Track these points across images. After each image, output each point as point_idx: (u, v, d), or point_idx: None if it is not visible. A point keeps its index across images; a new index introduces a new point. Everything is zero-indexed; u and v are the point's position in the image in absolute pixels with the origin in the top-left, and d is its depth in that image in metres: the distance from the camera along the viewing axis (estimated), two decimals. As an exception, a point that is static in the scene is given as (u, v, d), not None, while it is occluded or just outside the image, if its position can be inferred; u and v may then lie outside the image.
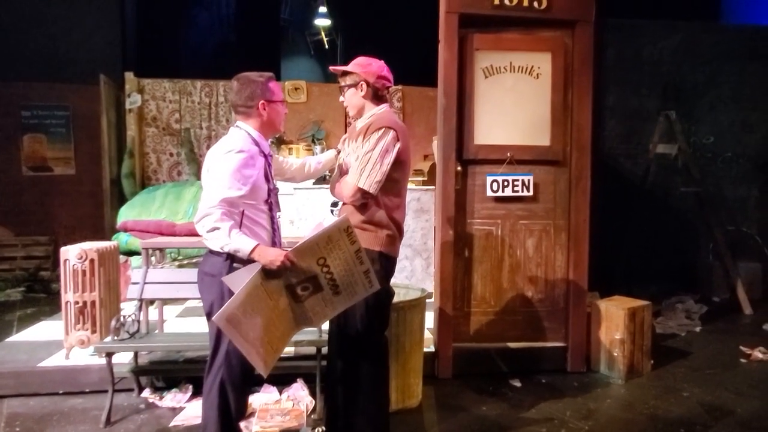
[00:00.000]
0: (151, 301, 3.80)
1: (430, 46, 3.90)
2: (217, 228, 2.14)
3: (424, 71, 4.47)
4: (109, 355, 3.08)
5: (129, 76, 6.80)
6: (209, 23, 9.26)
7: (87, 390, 3.41)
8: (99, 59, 6.96)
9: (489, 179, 3.82)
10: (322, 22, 12.03)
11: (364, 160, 2.40)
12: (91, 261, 3.56)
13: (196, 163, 6.84)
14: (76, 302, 3.55)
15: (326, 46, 12.67)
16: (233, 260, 2.23)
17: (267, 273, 2.16)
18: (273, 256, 2.16)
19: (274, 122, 2.41)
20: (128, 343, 3.14)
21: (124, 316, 3.21)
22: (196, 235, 4.70)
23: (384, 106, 2.59)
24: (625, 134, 6.25)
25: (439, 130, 3.81)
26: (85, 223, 6.88)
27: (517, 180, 3.83)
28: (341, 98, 2.64)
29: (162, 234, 5.25)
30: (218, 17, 9.53)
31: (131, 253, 5.35)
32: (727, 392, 3.55)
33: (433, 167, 5.46)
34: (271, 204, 2.38)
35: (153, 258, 3.87)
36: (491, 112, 3.83)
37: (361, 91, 2.54)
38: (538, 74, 3.83)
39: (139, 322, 3.33)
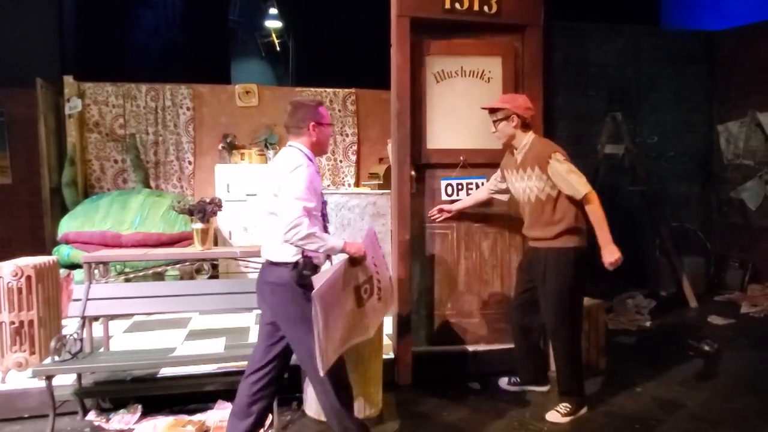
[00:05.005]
0: (96, 318, 3.61)
1: (383, 49, 3.87)
2: (312, 233, 2.35)
3: (377, 74, 4.45)
4: (49, 377, 2.89)
5: (68, 79, 6.46)
6: (154, 24, 8.91)
7: (26, 415, 3.20)
8: (35, 62, 6.56)
9: (443, 183, 3.83)
10: (273, 24, 11.85)
11: (572, 177, 3.04)
12: (28, 278, 3.34)
13: (142, 169, 6.57)
14: (12, 322, 3.33)
15: (278, 48, 12.50)
16: (303, 268, 2.44)
17: (352, 262, 2.47)
18: (359, 246, 2.51)
19: (322, 143, 2.62)
20: (70, 364, 2.96)
21: (65, 336, 3.03)
22: (144, 246, 4.48)
23: (531, 133, 3.23)
24: (575, 135, 6.39)
25: (393, 135, 3.78)
26: (23, 235, 6.48)
27: (471, 183, 3.85)
28: (492, 130, 3.26)
29: (107, 246, 5.02)
30: (164, 17, 9.19)
31: (74, 266, 5.08)
32: (677, 386, 3.66)
33: (388, 171, 5.43)
34: (324, 215, 2.65)
35: (96, 272, 3.68)
36: (444, 116, 3.84)
37: (513, 122, 3.17)
38: (489, 78, 3.88)
39: (81, 340, 3.15)
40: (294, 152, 2.53)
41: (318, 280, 2.28)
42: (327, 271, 2.39)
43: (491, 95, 3.83)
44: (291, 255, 2.46)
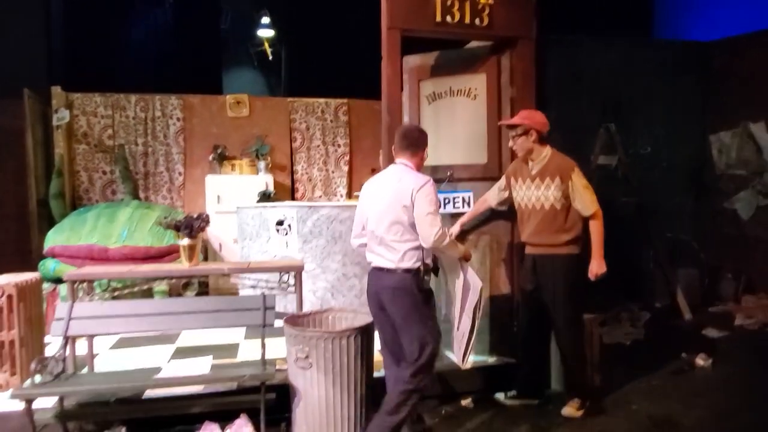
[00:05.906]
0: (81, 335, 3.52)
1: (376, 59, 3.82)
2: (453, 241, 2.89)
3: (370, 84, 4.42)
4: (29, 401, 2.80)
5: (56, 90, 6.40)
6: (144, 33, 8.84)
7: (6, 439, 3.11)
8: (22, 72, 6.47)
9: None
10: (265, 33, 11.79)
11: (587, 193, 3.35)
12: (9, 297, 3.27)
13: (131, 181, 6.49)
14: (-8, 342, 3.24)
15: (270, 58, 12.43)
16: (422, 274, 2.81)
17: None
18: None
19: (422, 165, 3.03)
20: (50, 386, 2.86)
21: (46, 357, 2.94)
22: (132, 259, 4.37)
23: (548, 147, 3.46)
24: (570, 147, 6.26)
25: (384, 148, 3.73)
26: (9, 248, 6.36)
27: (458, 197, 3.88)
28: (510, 144, 3.49)
29: (93, 259, 4.94)
30: (154, 27, 9.13)
31: (60, 280, 4.98)
32: (673, 403, 3.60)
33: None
34: None
35: (81, 289, 3.59)
36: (434, 134, 3.84)
37: (531, 137, 3.38)
38: (475, 95, 3.93)
39: (64, 360, 3.05)
40: (409, 170, 2.92)
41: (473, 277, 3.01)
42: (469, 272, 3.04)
43: (477, 111, 3.91)
44: (413, 262, 2.80)
